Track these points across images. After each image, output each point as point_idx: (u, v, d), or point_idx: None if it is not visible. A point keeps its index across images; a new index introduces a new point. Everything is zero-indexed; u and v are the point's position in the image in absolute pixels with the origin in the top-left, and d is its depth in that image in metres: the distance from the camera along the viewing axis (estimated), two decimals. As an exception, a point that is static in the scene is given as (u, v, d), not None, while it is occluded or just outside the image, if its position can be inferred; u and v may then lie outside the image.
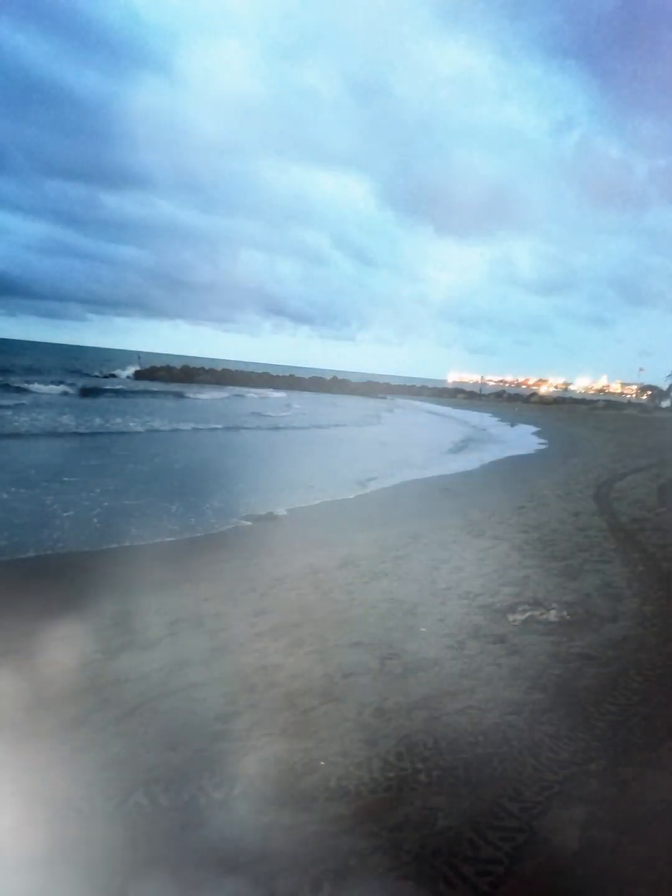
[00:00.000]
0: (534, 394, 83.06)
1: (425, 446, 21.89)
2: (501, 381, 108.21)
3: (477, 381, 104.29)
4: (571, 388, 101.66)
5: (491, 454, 19.98)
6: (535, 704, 3.59)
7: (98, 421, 22.68)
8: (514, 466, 17.35)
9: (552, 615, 5.01)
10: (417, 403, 59.06)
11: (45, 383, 37.80)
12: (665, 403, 68.32)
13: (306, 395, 57.92)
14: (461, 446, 22.63)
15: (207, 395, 43.58)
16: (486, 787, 2.84)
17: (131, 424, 22.59)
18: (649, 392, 76.37)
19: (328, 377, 74.86)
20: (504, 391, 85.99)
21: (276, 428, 26.41)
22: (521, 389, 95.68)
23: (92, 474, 12.12)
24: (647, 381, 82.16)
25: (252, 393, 50.87)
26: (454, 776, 2.93)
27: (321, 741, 3.23)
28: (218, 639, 4.72)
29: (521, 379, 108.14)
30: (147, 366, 65.33)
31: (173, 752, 3.16)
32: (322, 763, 3.04)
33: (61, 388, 37.18)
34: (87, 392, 37.29)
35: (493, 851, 2.44)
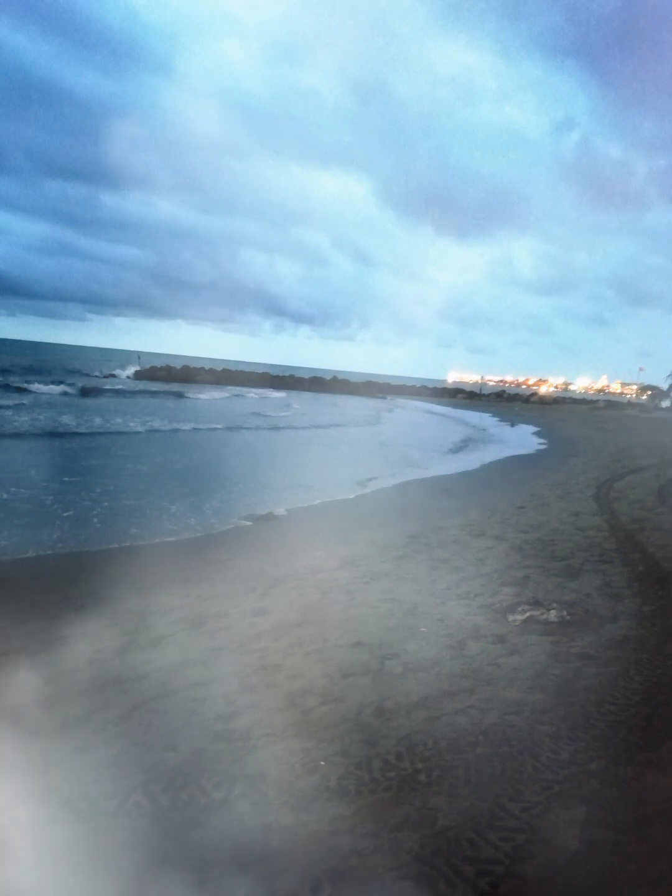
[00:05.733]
0: (534, 394, 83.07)
1: (425, 446, 21.89)
2: (501, 381, 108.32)
3: (477, 382, 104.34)
4: (571, 388, 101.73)
5: (491, 454, 19.99)
6: (535, 704, 3.59)
7: (98, 421, 22.68)
8: (514, 466, 17.35)
9: (552, 615, 5.01)
10: (417, 403, 59.08)
11: (45, 383, 37.81)
12: (665, 403, 68.32)
13: (306, 395, 57.94)
14: (461, 446, 22.64)
15: (207, 395, 43.58)
16: (486, 787, 2.84)
17: (131, 424, 22.58)
18: (649, 392, 76.38)
19: (328, 377, 74.89)
20: (504, 391, 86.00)
21: (276, 428, 26.42)
22: (521, 389, 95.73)
23: (92, 474, 12.12)
24: (647, 381, 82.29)
25: (252, 393, 50.88)
26: (454, 776, 2.93)
27: (321, 741, 3.23)
28: (217, 639, 4.72)
29: (521, 379, 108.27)
30: (147, 366, 65.37)
31: (173, 752, 3.16)
32: (322, 763, 3.04)
33: (61, 388, 37.19)
34: (87, 392, 37.29)
35: (493, 851, 2.44)
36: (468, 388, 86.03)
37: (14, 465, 13.01)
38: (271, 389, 58.63)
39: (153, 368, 63.96)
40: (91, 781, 2.92)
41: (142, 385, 49.72)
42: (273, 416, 31.34)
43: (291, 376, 73.38)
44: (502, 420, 39.62)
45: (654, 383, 76.87)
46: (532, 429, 33.27)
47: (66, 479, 11.43)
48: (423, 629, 4.81)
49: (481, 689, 3.80)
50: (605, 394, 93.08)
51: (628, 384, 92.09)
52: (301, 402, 45.03)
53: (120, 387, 45.08)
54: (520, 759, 3.05)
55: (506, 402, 69.03)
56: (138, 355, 78.08)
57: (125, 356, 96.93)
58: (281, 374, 74.42)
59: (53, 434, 18.61)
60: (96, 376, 55.65)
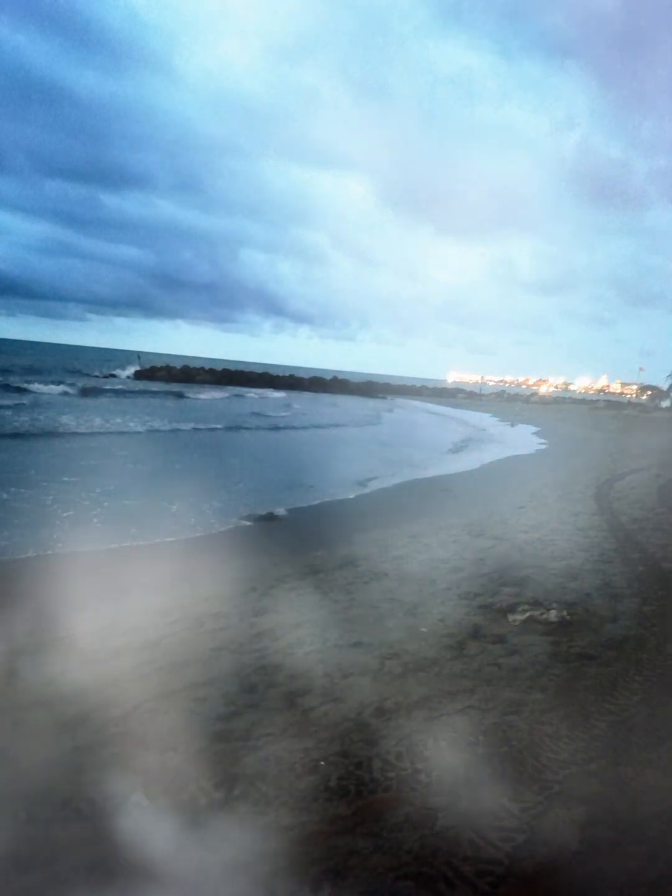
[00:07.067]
0: (534, 394, 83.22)
1: (425, 446, 21.88)
2: (501, 381, 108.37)
3: (477, 381, 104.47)
4: (571, 388, 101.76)
5: (491, 454, 19.98)
6: (535, 704, 3.59)
7: (98, 421, 22.66)
8: (514, 466, 17.35)
9: (552, 615, 5.01)
10: (417, 403, 59.06)
11: (45, 383, 37.76)
12: (665, 403, 68.32)
13: (306, 395, 57.91)
14: (461, 446, 22.62)
15: (207, 395, 43.54)
16: (486, 787, 2.84)
17: (131, 424, 22.57)
18: (649, 392, 76.43)
19: (328, 377, 74.85)
20: (504, 391, 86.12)
21: (276, 428, 26.41)
22: (522, 389, 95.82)
23: (92, 474, 12.11)
24: (647, 381, 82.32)
25: (252, 393, 50.85)
26: (454, 776, 2.93)
27: (321, 741, 3.23)
28: (217, 639, 4.72)
29: (521, 379, 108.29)
30: (147, 366, 65.31)
31: (173, 752, 3.16)
32: (322, 763, 3.04)
33: (61, 388, 37.13)
34: (87, 392, 37.25)
35: (493, 851, 2.44)
36: (468, 389, 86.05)
37: (14, 465, 13.01)
38: (271, 389, 58.62)
39: (153, 368, 63.88)
40: (91, 782, 2.92)
41: (142, 385, 49.68)
42: (273, 416, 31.33)
43: (291, 376, 73.35)
44: (502, 420, 39.60)
45: (654, 383, 76.96)
46: (532, 429, 33.27)
47: (66, 479, 11.42)
48: (423, 629, 4.81)
49: (481, 689, 3.80)
50: (605, 394, 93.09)
51: (628, 384, 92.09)
52: (301, 403, 45.00)
53: (120, 387, 45.03)
54: (520, 759, 3.05)
55: (506, 402, 69.03)
56: (138, 355, 78.00)
57: (125, 356, 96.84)
58: (281, 374, 74.40)
59: (53, 434, 18.59)
60: (96, 376, 55.58)
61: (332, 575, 6.44)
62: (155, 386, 49.29)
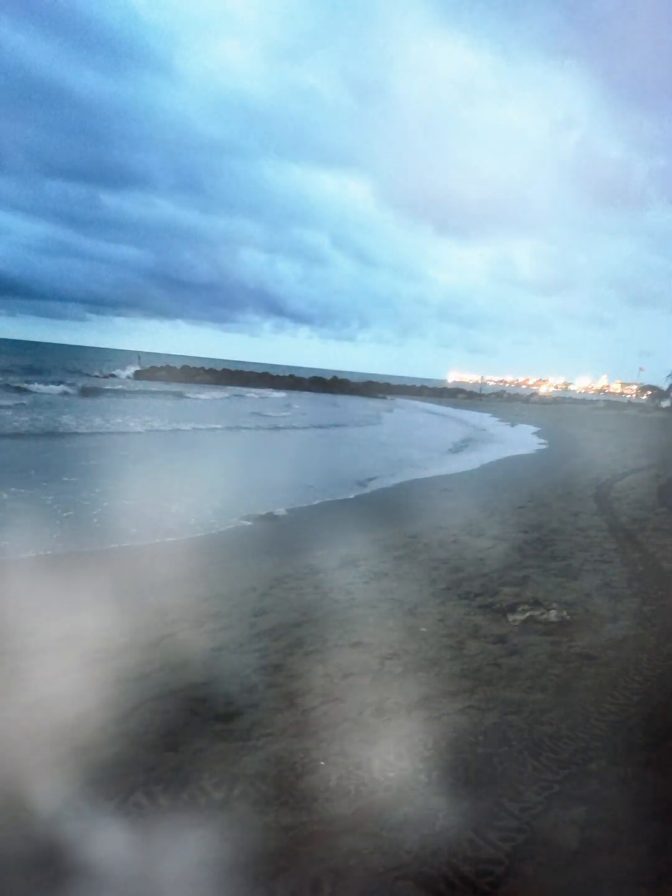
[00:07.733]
0: (534, 394, 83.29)
1: (425, 446, 21.88)
2: (501, 381, 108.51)
3: (477, 381, 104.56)
4: (571, 388, 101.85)
5: (491, 454, 19.99)
6: (535, 704, 3.59)
7: (98, 421, 22.65)
8: (514, 466, 17.35)
9: (552, 615, 5.01)
10: (417, 403, 59.08)
11: (45, 383, 37.76)
12: (665, 403, 68.29)
13: (306, 395, 57.91)
14: (461, 446, 22.63)
15: (207, 395, 43.57)
16: (486, 787, 2.84)
17: (131, 424, 22.58)
18: (649, 392, 76.39)
19: (328, 377, 74.85)
20: (504, 391, 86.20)
21: (276, 428, 26.42)
22: (522, 389, 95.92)
23: (92, 474, 12.11)
24: (647, 381, 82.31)
25: (252, 393, 50.88)
26: (454, 776, 2.93)
27: (321, 741, 3.23)
28: (217, 639, 4.72)
29: (521, 379, 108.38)
30: (147, 366, 65.30)
31: (174, 753, 3.16)
32: (322, 763, 3.04)
33: (61, 388, 37.13)
34: (87, 392, 37.25)
35: (493, 851, 2.44)
36: (468, 389, 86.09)
37: (14, 465, 13.01)
38: (271, 389, 58.65)
39: (153, 368, 63.87)
40: (91, 783, 2.92)
41: (142, 385, 49.67)
42: (273, 416, 31.33)
43: (291, 376, 73.37)
44: (502, 420, 39.61)
45: (654, 383, 76.88)
46: (532, 429, 33.27)
47: (66, 479, 11.42)
48: (423, 629, 4.81)
49: (481, 689, 3.80)
50: (605, 394, 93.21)
51: (628, 384, 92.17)
52: (301, 403, 45.01)
53: (120, 387, 45.05)
54: (520, 759, 3.05)
55: (506, 402, 69.06)
56: (138, 355, 77.91)
57: (125, 356, 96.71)
58: (281, 374, 74.40)
59: (53, 434, 18.59)
60: (96, 376, 55.56)
61: (332, 575, 6.44)
62: (155, 386, 49.29)
